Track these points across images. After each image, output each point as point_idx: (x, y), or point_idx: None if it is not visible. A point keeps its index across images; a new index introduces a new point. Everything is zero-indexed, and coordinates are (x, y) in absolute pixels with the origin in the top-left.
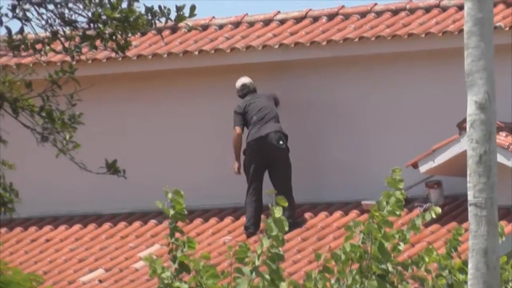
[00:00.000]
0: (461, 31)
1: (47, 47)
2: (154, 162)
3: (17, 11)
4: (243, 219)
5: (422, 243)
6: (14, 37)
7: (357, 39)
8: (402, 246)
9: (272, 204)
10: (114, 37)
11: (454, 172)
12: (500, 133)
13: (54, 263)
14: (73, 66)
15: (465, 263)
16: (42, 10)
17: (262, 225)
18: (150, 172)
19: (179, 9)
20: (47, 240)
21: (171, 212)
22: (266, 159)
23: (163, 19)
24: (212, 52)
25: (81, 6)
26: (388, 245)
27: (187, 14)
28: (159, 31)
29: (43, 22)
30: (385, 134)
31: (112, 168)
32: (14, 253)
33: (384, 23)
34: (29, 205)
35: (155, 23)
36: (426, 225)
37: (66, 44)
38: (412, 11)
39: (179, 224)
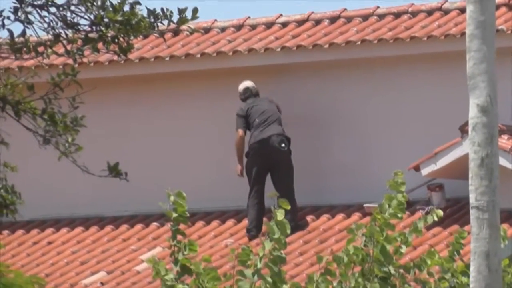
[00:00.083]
0: (463, 34)
1: (49, 50)
2: (156, 165)
3: (19, 13)
4: (245, 222)
5: (424, 245)
6: (16, 39)
7: (359, 42)
8: (404, 249)
9: (274, 206)
10: (116, 40)
11: (456, 175)
12: (502, 136)
13: (56, 265)
14: (75, 69)
15: (467, 266)
16: (44, 13)
17: (264, 227)
18: (152, 175)
19: (181, 11)
20: (49, 243)
21: (173, 214)
22: (269, 162)
23: (165, 22)
24: (214, 55)
25: (83, 9)
26: (390, 248)
27: (189, 17)
28: (161, 34)
29: (45, 25)
30: (387, 137)
31: (114, 171)
32: (16, 256)
33: (386, 26)
34: (31, 207)
35: (157, 26)
36: (428, 228)
37: (68, 47)
38: (414, 14)
39: (181, 226)
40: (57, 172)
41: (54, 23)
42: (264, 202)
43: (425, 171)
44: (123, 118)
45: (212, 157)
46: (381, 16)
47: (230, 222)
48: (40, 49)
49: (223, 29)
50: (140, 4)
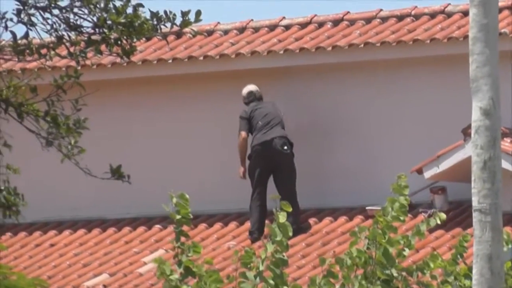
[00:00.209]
0: (466, 37)
1: (52, 52)
2: (159, 167)
3: (22, 15)
4: (247, 224)
5: (427, 248)
6: (19, 41)
7: (362, 45)
8: (407, 252)
9: (276, 209)
10: (119, 42)
11: (458, 178)
12: (505, 139)
13: (58, 268)
14: (78, 71)
15: (470, 269)
16: (47, 15)
17: (266, 230)
18: (154, 177)
19: (184, 14)
20: (52, 245)
21: (177, 216)
22: (271, 164)
23: (168, 25)
24: (217, 57)
25: (86, 11)
26: (393, 251)
27: (192, 20)
28: (164, 36)
29: (48, 27)
30: (390, 140)
31: (117, 173)
32: (19, 258)
33: (389, 29)
34: (34, 210)
35: (160, 28)
36: (431, 230)
37: (71, 49)
38: (417, 17)
39: (185, 228)
40: (60, 174)
41: (57, 25)
42: (266, 204)
43: (427, 174)
44: (126, 121)
45: (214, 159)
46: (384, 19)
47: (232, 225)
48: (43, 51)
49: (226, 32)
50: (143, 6)
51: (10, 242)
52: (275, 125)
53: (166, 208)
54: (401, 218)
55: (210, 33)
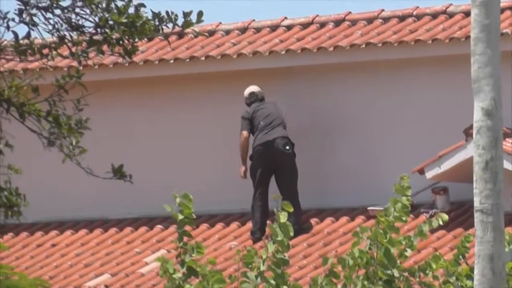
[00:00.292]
0: (467, 37)
1: (54, 52)
2: (161, 167)
3: (24, 16)
4: (249, 225)
5: (428, 249)
6: (21, 42)
7: (364, 45)
8: (409, 252)
9: (277, 209)
10: (121, 42)
11: (460, 178)
12: (507, 139)
13: (60, 268)
14: (80, 71)
15: (472, 269)
16: (49, 15)
17: (268, 230)
18: (156, 178)
19: (186, 15)
20: (53, 245)
21: (180, 216)
22: (273, 164)
23: (170, 25)
24: (218, 57)
25: (88, 11)
26: (394, 251)
27: (194, 20)
28: (166, 36)
29: (50, 27)
30: (392, 140)
31: (119, 173)
32: (20, 258)
33: (391, 29)
34: (35, 210)
35: (162, 29)
36: (432, 231)
37: (73, 49)
38: (419, 17)
39: (187, 228)
40: (61, 175)
41: (59, 25)
42: (268, 204)
43: (429, 174)
44: (128, 121)
45: (216, 159)
46: (386, 19)
47: (234, 225)
48: (45, 51)
49: (227, 32)
50: (144, 6)
51: (12, 242)
52: (276, 126)
53: (169, 208)
54: (403, 218)
55: (211, 33)
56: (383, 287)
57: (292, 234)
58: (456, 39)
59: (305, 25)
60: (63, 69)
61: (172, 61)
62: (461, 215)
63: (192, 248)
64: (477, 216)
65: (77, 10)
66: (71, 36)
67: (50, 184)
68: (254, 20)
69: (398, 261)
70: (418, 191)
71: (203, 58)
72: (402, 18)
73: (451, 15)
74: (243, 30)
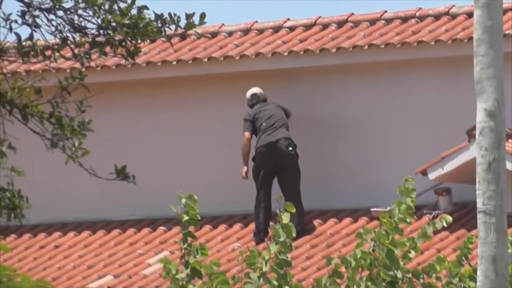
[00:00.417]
0: (470, 38)
1: (57, 54)
2: (164, 169)
3: (27, 17)
4: (252, 226)
5: (431, 250)
6: (24, 43)
7: (366, 47)
8: (412, 254)
9: (280, 210)
10: (123, 44)
11: (463, 179)
12: (509, 140)
13: (62, 269)
14: (82, 73)
15: (475, 270)
16: (52, 17)
17: (271, 231)
18: (159, 179)
19: (188, 16)
20: (56, 247)
21: (185, 217)
22: (275, 165)
23: (172, 27)
24: (221, 59)
25: (90, 13)
26: (398, 253)
27: (197, 22)
28: (169, 38)
29: (53, 29)
30: (394, 141)
31: (122, 174)
32: (23, 260)
33: (394, 31)
34: (38, 211)
35: (165, 30)
36: (435, 232)
37: (76, 51)
38: (421, 18)
39: (191, 229)
40: (64, 176)
41: (61, 26)
42: (271, 205)
43: (432, 175)
44: (130, 122)
45: (219, 161)
46: (389, 21)
47: (237, 226)
48: (48, 52)
49: (230, 34)
50: (147, 8)
51: (15, 244)
52: (279, 127)
53: (174, 209)
54: (408, 219)
55: (214, 34)
56: None
57: (294, 235)
58: (459, 40)
59: (307, 27)
60: (66, 70)
61: (174, 63)
62: (464, 216)
63: (196, 249)
64: (480, 217)
65: (80, 11)
66: (73, 38)
67: (53, 186)
68: (256, 21)
69: (402, 263)
70: (421, 192)
71: (205, 60)
72: (404, 19)
73: (454, 16)
74: (246, 31)
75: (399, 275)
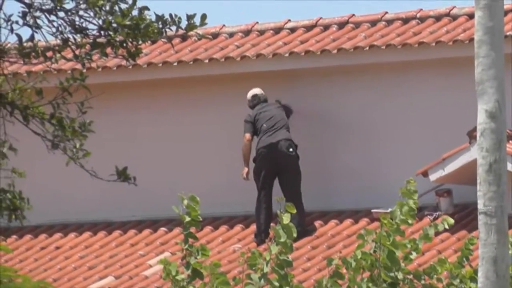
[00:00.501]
0: (471, 40)
1: (58, 55)
2: (164, 170)
3: (28, 18)
4: (253, 227)
5: (432, 251)
6: (25, 44)
7: (367, 48)
8: (414, 255)
9: (280, 210)
10: (124, 45)
11: (464, 181)
12: (510, 141)
13: (63, 270)
14: (83, 74)
15: (476, 271)
16: (53, 18)
17: (272, 232)
18: (160, 180)
19: (189, 17)
20: (57, 248)
21: (187, 218)
22: (276, 166)
23: (173, 28)
24: (222, 60)
25: (91, 14)
26: (399, 254)
27: (197, 23)
28: (170, 39)
29: (54, 30)
30: (395, 143)
31: (123, 175)
32: (24, 261)
33: (395, 32)
34: (39, 212)
35: (166, 31)
36: (436, 233)
37: (77, 52)
38: (422, 19)
39: (193, 230)
40: (65, 177)
41: (62, 27)
42: (272, 207)
43: (433, 176)
44: (131, 123)
45: (220, 162)
46: (389, 22)
47: (238, 227)
48: (49, 54)
49: (231, 35)
50: (148, 9)
51: (16, 245)
52: (280, 128)
53: (176, 210)
54: (409, 221)
55: (215, 35)
56: None
57: (295, 235)
58: (459, 42)
59: (308, 28)
60: (67, 71)
61: (175, 64)
62: (465, 217)
63: (197, 250)
64: (480, 219)
65: (81, 12)
66: (74, 39)
67: (54, 187)
68: (257, 22)
69: (403, 264)
70: (422, 194)
71: (206, 61)
72: (405, 21)
73: (454, 18)
74: (247, 32)
75: (400, 276)
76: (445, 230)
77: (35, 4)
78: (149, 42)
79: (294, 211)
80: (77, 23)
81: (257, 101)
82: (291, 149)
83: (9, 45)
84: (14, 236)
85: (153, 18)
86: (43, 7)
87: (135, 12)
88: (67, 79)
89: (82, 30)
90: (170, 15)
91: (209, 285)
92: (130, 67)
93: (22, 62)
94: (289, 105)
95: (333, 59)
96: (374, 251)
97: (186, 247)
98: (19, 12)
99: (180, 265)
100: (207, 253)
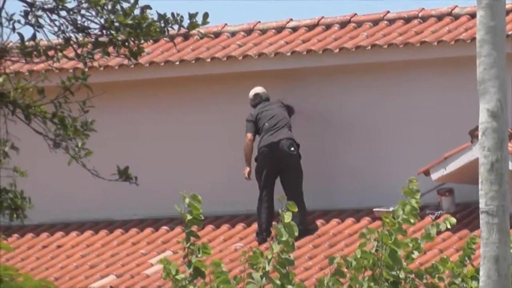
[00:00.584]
0: (473, 39)
1: (60, 54)
2: (166, 169)
3: (30, 17)
4: (254, 226)
5: (434, 250)
6: (27, 43)
7: (369, 47)
8: (416, 255)
9: (282, 209)
10: (126, 44)
11: (465, 180)
12: None
13: (65, 269)
14: (85, 73)
15: (477, 270)
16: (55, 17)
17: (273, 231)
18: (162, 179)
19: (192, 16)
20: (59, 247)
21: (189, 217)
22: (278, 166)
23: (175, 27)
24: (224, 59)
25: (93, 13)
26: (401, 253)
27: (200, 22)
28: (172, 38)
29: (56, 29)
30: (397, 142)
31: (124, 175)
32: (26, 259)
33: (397, 31)
34: (41, 211)
35: (168, 30)
36: (438, 232)
37: (79, 51)
38: (424, 19)
39: (194, 229)
40: (67, 176)
41: (64, 26)
42: (273, 206)
43: (435, 175)
44: (133, 122)
45: (222, 161)
46: (391, 21)
47: (239, 226)
48: (51, 53)
49: (233, 34)
50: (150, 8)
51: (17, 243)
52: (281, 127)
53: (178, 209)
54: (412, 220)
55: (217, 35)
56: None
57: (296, 234)
58: (461, 41)
59: (310, 27)
60: (69, 70)
61: (177, 63)
62: (466, 216)
63: (198, 248)
64: (482, 218)
65: (83, 11)
66: (76, 38)
67: (55, 186)
68: (259, 21)
69: (405, 263)
70: (424, 193)
71: (208, 60)
72: (407, 20)
73: (456, 17)
74: (249, 31)
75: (402, 275)
76: (447, 229)
77: (37, 3)
78: (151, 41)
79: (296, 209)
80: (79, 22)
81: (259, 100)
82: (292, 148)
83: (11, 44)
84: (16, 235)
85: (155, 17)
86: (45, 6)
87: (137, 11)
88: (69, 78)
89: (84, 29)
90: (172, 14)
91: (210, 284)
92: (132, 66)
93: (24, 61)
94: (291, 106)
95: (335, 58)
96: (376, 250)
97: (187, 245)
98: (21, 11)
99: (181, 263)
100: (209, 251)
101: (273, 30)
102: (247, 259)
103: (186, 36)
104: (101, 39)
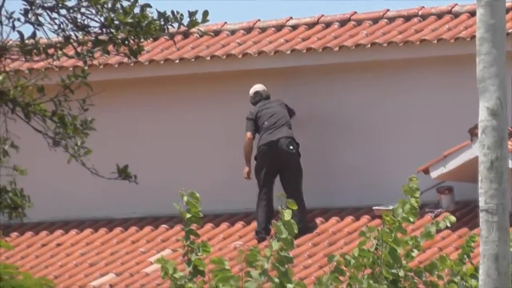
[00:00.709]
0: (473, 37)
1: (60, 52)
2: (166, 167)
3: (30, 15)
4: (254, 224)
5: (433, 248)
6: (27, 41)
7: (369, 45)
8: (415, 253)
9: (281, 207)
10: (126, 42)
11: (465, 178)
12: None
13: (65, 267)
14: (85, 71)
15: (477, 269)
16: (55, 15)
17: (272, 230)
18: (161, 177)
19: (191, 14)
20: (58, 245)
21: (187, 215)
22: (277, 164)
23: (175, 25)
24: (224, 57)
25: (93, 11)
26: (400, 251)
27: (199, 20)
28: (171, 36)
29: (56, 27)
30: (397, 140)
31: (124, 173)
32: (25, 258)
33: (396, 29)
34: (40, 209)
35: (168, 29)
36: (437, 230)
37: (79, 49)
38: (424, 17)
39: (194, 227)
40: (66, 174)
41: (64, 25)
42: (273, 204)
43: (434, 173)
44: (133, 121)
45: (221, 159)
46: (391, 19)
47: (239, 225)
48: (50, 51)
49: (233, 32)
50: (150, 6)
51: (17, 241)
52: (281, 126)
53: (177, 207)
54: (411, 219)
55: (217, 33)
56: (388, 286)
57: (296, 231)
58: (461, 39)
59: (310, 25)
60: (69, 69)
61: (177, 61)
62: (466, 214)
63: (198, 246)
64: (482, 216)
65: (83, 10)
66: (76, 36)
67: (55, 184)
68: (259, 20)
69: (404, 261)
70: (423, 191)
71: (208, 58)
72: (407, 18)
73: (456, 15)
74: (249, 30)
75: (401, 273)
76: (446, 227)
77: (37, 1)
78: (151, 39)
79: (295, 207)
80: (79, 20)
81: (259, 97)
82: (291, 147)
83: (10, 42)
84: (15, 233)
85: (155, 15)
86: (45, 5)
87: (137, 10)
88: (68, 77)
89: (84, 28)
90: (172, 12)
91: (210, 283)
92: (132, 64)
93: (23, 59)
94: (292, 109)
95: (334, 56)
96: (376, 248)
97: (187, 243)
98: (21, 10)
99: (180, 262)
100: (208, 249)
101: (273, 28)
102: (245, 258)
103: (186, 34)
104: (101, 37)
